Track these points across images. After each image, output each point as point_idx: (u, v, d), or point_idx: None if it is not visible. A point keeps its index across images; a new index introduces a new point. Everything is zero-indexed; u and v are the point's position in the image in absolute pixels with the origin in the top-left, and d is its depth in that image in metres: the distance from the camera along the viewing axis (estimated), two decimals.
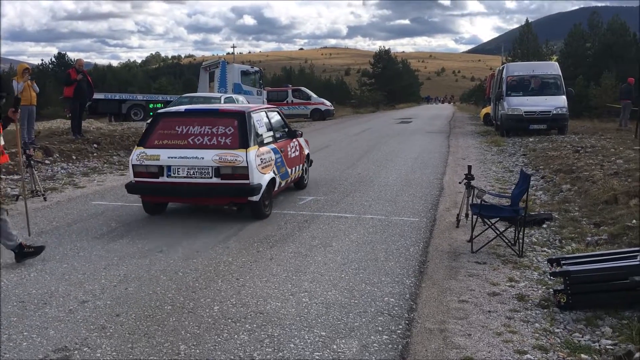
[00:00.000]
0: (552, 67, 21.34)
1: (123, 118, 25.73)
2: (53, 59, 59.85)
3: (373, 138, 20.45)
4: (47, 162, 12.02)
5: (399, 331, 4.06)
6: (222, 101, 15.59)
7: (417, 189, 9.79)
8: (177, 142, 7.36)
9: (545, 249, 6.19)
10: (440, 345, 3.86)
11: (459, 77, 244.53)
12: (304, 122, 31.48)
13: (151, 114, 13.62)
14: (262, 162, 7.38)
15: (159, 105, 13.57)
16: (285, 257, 5.81)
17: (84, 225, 7.15)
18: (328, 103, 35.14)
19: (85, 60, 20.80)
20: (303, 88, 36.18)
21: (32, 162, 8.85)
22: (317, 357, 3.67)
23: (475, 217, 6.19)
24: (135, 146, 7.65)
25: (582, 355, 3.67)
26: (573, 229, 6.82)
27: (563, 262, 4.82)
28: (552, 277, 4.92)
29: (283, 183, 8.33)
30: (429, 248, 6.22)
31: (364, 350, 3.77)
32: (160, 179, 7.25)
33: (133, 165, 7.40)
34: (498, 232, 6.04)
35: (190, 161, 7.15)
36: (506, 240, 6.05)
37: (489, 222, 6.14)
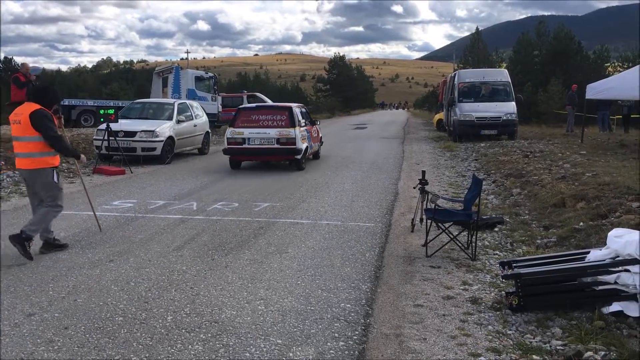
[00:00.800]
0: (501, 74, 21.92)
1: (73, 124, 25.03)
2: None
3: (328, 144, 20.48)
4: None
5: (355, 337, 4.05)
6: (176, 107, 15.35)
7: (373, 194, 9.86)
8: (252, 124, 12.76)
9: (497, 252, 6.32)
10: (396, 350, 3.87)
11: (413, 83, 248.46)
12: None
13: (102, 120, 13.25)
14: (301, 136, 12.74)
15: (110, 112, 13.18)
16: (241, 264, 5.74)
17: None
18: None
19: (32, 65, 20.15)
20: (258, 94, 36.05)
21: None
22: None
23: (429, 221, 6.27)
24: (228, 127, 13.33)
25: (534, 357, 3.75)
26: (523, 232, 7.00)
27: (514, 264, 4.92)
28: (504, 280, 5.02)
29: (310, 150, 13.55)
30: (385, 253, 6.26)
31: (321, 357, 3.74)
32: (244, 146, 12.69)
33: (227, 138, 12.85)
34: (452, 236, 6.13)
35: (261, 135, 12.58)
36: (460, 244, 6.14)
37: (442, 227, 6.23)
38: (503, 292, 4.83)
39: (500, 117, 19.30)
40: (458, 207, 7.26)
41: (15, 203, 9.05)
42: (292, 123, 12.73)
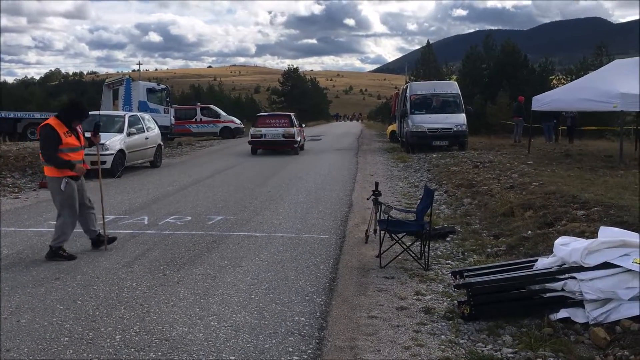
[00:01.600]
0: (451, 87, 22.41)
1: (18, 137, 24.23)
2: None
3: (283, 156, 20.49)
4: None
5: (309, 351, 4.02)
6: (127, 119, 15.04)
7: (327, 205, 9.87)
8: (266, 125, 20.70)
9: (450, 261, 6.41)
10: None
11: (366, 95, 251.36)
12: (214, 141, 31.04)
13: None
14: (297, 133, 20.56)
15: None
16: (193, 279, 5.63)
17: None
18: (238, 121, 34.87)
19: None
20: (212, 106, 35.72)
21: None
22: None
23: (382, 232, 6.31)
24: (252, 126, 21.30)
25: None
26: (474, 241, 7.12)
27: (465, 274, 4.99)
28: (456, 289, 5.09)
29: (301, 142, 21.27)
30: (339, 265, 6.26)
31: None
32: (262, 139, 20.56)
33: (251, 134, 20.87)
34: (405, 247, 6.19)
35: (272, 132, 20.45)
36: (413, 255, 6.20)
37: (396, 237, 6.29)
38: (455, 302, 4.89)
39: (451, 129, 19.70)
40: (411, 217, 7.34)
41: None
42: (291, 124, 21.07)
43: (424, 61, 49.16)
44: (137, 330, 4.34)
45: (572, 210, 7.18)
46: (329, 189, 11.81)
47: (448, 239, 7.38)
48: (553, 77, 39.27)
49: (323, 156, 20.40)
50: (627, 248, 4.40)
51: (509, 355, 3.95)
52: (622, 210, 6.62)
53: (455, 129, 19.70)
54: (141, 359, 3.84)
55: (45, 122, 6.57)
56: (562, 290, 4.45)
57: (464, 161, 15.07)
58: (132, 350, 3.99)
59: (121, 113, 16.93)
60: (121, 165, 14.08)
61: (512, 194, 9.03)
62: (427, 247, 6.22)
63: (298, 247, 6.98)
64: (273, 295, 5.17)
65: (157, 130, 17.04)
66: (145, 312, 4.73)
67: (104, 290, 5.28)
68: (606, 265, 4.33)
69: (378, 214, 6.97)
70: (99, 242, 6.87)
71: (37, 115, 27.11)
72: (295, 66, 76.23)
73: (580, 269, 4.40)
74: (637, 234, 4.88)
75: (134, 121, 15.52)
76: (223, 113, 34.54)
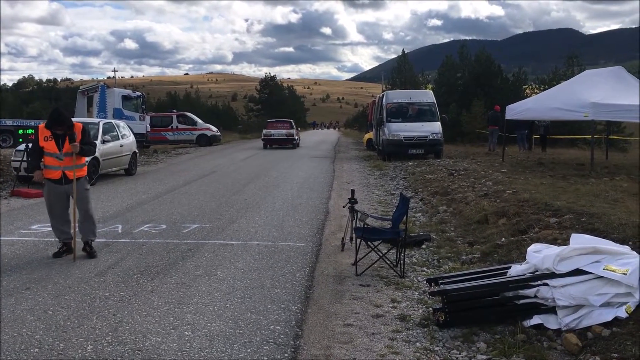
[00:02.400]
0: (427, 95, 22.62)
1: None
2: None
3: (260, 163, 20.45)
4: None
5: None
6: (101, 127, 14.87)
7: (304, 213, 9.86)
8: (275, 128, 31.97)
9: (425, 268, 6.44)
10: None
11: (343, 103, 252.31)
12: (190, 148, 30.82)
13: (20, 140, 12.67)
14: (295, 133, 32.13)
15: (30, 131, 12.68)
16: (168, 288, 5.57)
17: None
18: (214, 128, 34.67)
19: None
20: (188, 113, 35.44)
21: None
22: None
23: (359, 240, 6.32)
24: (264, 129, 32.56)
25: None
26: (449, 249, 7.18)
27: (440, 281, 5.03)
28: (431, 297, 5.11)
29: (297, 141, 32.37)
30: (315, 273, 6.25)
31: None
32: (271, 137, 31.38)
33: (264, 133, 31.80)
34: (380, 254, 6.20)
35: (278, 132, 31.54)
36: (388, 262, 6.22)
37: (372, 245, 6.30)
38: (430, 309, 4.92)
39: (427, 137, 19.87)
40: (387, 225, 7.36)
41: None
42: (291, 127, 31.92)
43: (400, 70, 49.47)
44: (110, 340, 4.27)
45: (545, 217, 7.28)
46: (306, 197, 11.81)
47: (423, 246, 7.42)
48: (526, 86, 39.83)
49: (300, 164, 20.39)
50: (599, 255, 4.47)
51: None
52: (594, 217, 6.73)
53: (430, 137, 19.88)
54: None
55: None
56: (535, 296, 4.50)
57: (440, 169, 15.20)
58: None
59: (95, 120, 16.70)
60: (95, 173, 13.86)
61: (487, 201, 9.13)
62: (402, 254, 6.25)
63: (274, 255, 6.95)
64: (248, 303, 5.14)
65: (132, 138, 16.85)
66: (117, 322, 4.65)
67: (76, 300, 5.18)
68: (578, 272, 4.40)
69: (354, 221, 6.99)
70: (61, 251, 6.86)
71: (9, 122, 26.63)
72: (272, 74, 76.28)
73: (553, 275, 4.46)
74: (608, 241, 4.98)
75: (108, 128, 15.33)
76: (200, 121, 34.31)
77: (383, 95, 23.31)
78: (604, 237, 5.43)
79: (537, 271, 4.64)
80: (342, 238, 7.47)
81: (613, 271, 4.27)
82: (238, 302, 5.17)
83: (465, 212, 8.96)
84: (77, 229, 6.91)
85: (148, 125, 26.94)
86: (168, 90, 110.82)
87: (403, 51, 52.82)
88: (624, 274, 4.22)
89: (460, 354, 4.14)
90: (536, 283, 4.52)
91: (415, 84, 44.27)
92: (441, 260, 6.72)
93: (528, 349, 4.05)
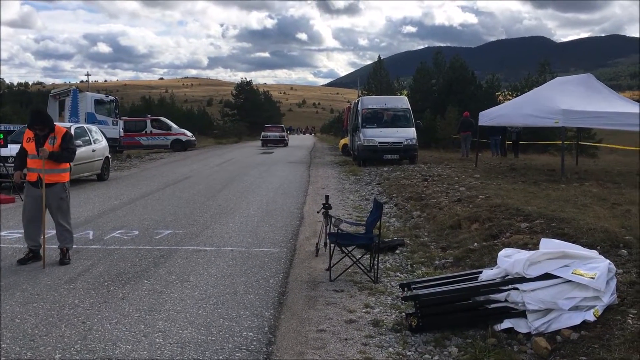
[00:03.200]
0: (402, 101, 22.79)
1: None
2: None
3: (235, 169, 20.35)
4: None
5: None
6: (72, 131, 14.63)
7: (278, 219, 9.83)
8: (270, 131, 44.62)
9: (399, 273, 6.47)
10: None
11: (319, 108, 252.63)
12: (164, 153, 30.54)
13: None
14: (286, 135, 45.41)
15: (0, 136, 12.45)
16: (139, 295, 5.49)
17: None
18: (189, 133, 34.42)
19: None
20: (163, 118, 35.15)
21: None
22: None
23: (333, 245, 6.32)
24: (262, 132, 44.61)
25: None
26: (423, 254, 7.22)
27: (413, 286, 5.05)
28: (404, 302, 5.13)
29: (287, 141, 44.81)
30: (289, 278, 6.23)
31: None
32: (268, 138, 43.10)
33: (263, 135, 43.70)
34: (354, 260, 6.21)
35: (273, 135, 43.56)
36: (362, 267, 6.23)
37: (346, 250, 6.30)
38: (403, 314, 4.94)
39: (402, 143, 20.01)
40: (361, 230, 7.38)
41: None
42: (283, 131, 45.55)
43: (376, 76, 49.75)
44: (78, 349, 4.19)
45: (516, 222, 7.38)
46: (281, 202, 11.78)
47: (397, 251, 7.46)
48: (499, 93, 40.38)
49: (275, 169, 20.35)
50: (568, 259, 4.54)
51: None
52: (563, 222, 6.84)
53: (405, 143, 20.02)
54: None
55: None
56: (506, 301, 4.55)
57: (414, 175, 15.31)
58: None
59: (67, 124, 16.44)
60: None
61: (460, 206, 9.22)
62: (376, 259, 6.27)
63: (248, 261, 6.91)
64: (221, 310, 5.10)
65: (104, 143, 16.64)
66: (87, 329, 4.57)
67: (44, 308, 5.08)
68: (547, 276, 4.46)
69: (328, 227, 6.99)
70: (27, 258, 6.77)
71: None
72: (248, 79, 76.06)
73: (523, 280, 4.51)
74: (577, 246, 5.06)
75: (80, 133, 15.11)
76: (174, 125, 34.04)
77: (358, 100, 23.41)
78: (573, 242, 5.53)
79: (507, 275, 4.69)
80: (317, 243, 7.46)
81: (581, 275, 4.34)
82: (211, 309, 5.12)
83: (439, 217, 9.03)
84: (55, 235, 6.91)
85: (121, 129, 26.62)
86: (142, 95, 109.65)
87: (379, 57, 53.16)
88: (592, 278, 4.30)
89: (432, 358, 4.16)
90: (507, 287, 4.57)
91: (391, 90, 44.58)
92: (415, 265, 6.76)
93: (499, 353, 4.09)
